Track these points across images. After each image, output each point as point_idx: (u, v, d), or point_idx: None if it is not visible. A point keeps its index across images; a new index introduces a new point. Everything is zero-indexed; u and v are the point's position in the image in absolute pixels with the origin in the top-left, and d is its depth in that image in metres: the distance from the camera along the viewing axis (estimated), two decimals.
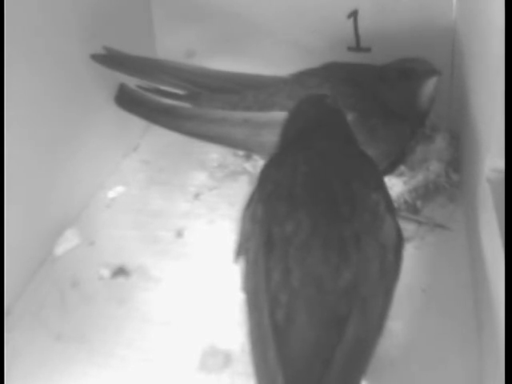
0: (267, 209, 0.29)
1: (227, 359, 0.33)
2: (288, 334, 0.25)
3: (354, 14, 0.48)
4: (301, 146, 0.32)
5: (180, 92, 0.46)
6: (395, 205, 0.36)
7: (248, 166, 0.48)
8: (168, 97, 0.46)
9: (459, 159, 0.44)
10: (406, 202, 0.42)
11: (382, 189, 0.30)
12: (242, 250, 0.30)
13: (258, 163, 0.47)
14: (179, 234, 0.43)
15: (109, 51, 0.45)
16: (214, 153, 0.51)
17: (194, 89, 0.45)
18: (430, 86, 0.40)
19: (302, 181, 0.29)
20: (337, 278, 0.26)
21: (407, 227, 0.40)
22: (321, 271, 0.26)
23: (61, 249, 0.42)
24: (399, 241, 0.28)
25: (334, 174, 0.29)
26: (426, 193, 0.43)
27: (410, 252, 0.37)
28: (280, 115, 0.41)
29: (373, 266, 0.26)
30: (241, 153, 0.50)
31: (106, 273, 0.40)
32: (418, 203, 0.42)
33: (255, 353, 0.26)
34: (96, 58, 0.44)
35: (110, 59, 0.45)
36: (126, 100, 0.47)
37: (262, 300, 0.26)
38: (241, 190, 0.46)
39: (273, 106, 0.42)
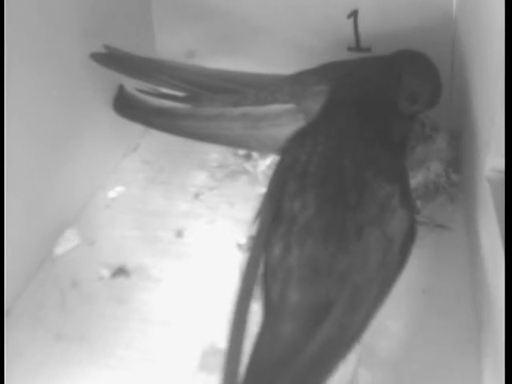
0: (280, 183, 0.29)
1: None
2: (279, 311, 0.26)
3: (354, 14, 0.48)
4: (330, 122, 0.31)
5: (180, 93, 0.46)
6: None
7: (248, 165, 0.48)
8: (168, 99, 0.46)
9: (459, 159, 0.44)
10: None
11: (401, 182, 0.29)
12: (258, 215, 0.29)
13: (257, 163, 0.47)
14: (179, 233, 0.43)
15: (109, 50, 0.45)
16: (214, 153, 0.51)
17: (194, 89, 0.45)
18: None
19: (317, 160, 0.29)
20: (333, 263, 0.26)
21: None
22: (318, 254, 0.26)
23: (61, 249, 0.42)
24: (410, 236, 0.28)
25: (351, 160, 0.29)
26: (426, 193, 0.43)
27: None
28: (278, 107, 0.41)
29: (373, 256, 0.26)
30: (241, 153, 0.50)
31: (105, 273, 0.40)
32: (418, 203, 0.42)
33: (235, 318, 0.26)
34: (96, 57, 0.44)
35: (110, 58, 0.45)
36: (124, 105, 0.47)
37: (257, 271, 0.27)
38: (241, 190, 0.46)
39: (273, 103, 0.42)
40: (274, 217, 0.28)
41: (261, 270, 0.27)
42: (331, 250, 0.26)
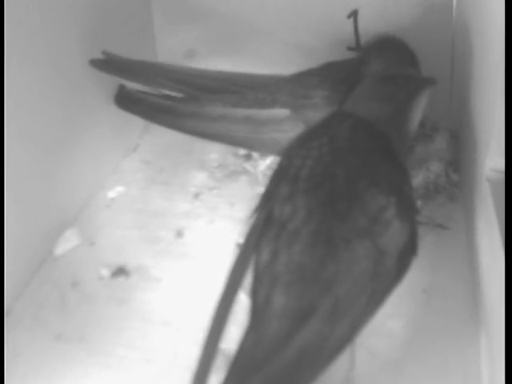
0: (273, 185, 0.29)
1: (227, 359, 0.33)
2: (264, 313, 0.26)
3: (353, 14, 0.48)
4: (329, 128, 0.31)
5: (180, 95, 0.46)
6: None
7: (248, 165, 0.48)
8: (167, 100, 0.46)
9: (459, 159, 0.44)
10: None
11: (398, 195, 0.28)
12: (256, 211, 0.29)
13: (258, 163, 0.47)
14: (179, 234, 0.43)
15: (108, 56, 0.45)
16: (214, 153, 0.51)
17: (193, 91, 0.45)
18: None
19: (311, 165, 0.28)
20: (319, 271, 0.26)
21: None
22: (305, 261, 0.26)
23: (61, 249, 0.42)
24: (410, 249, 0.27)
25: (345, 168, 0.28)
26: (426, 193, 0.43)
27: None
28: (281, 112, 0.41)
29: (360, 268, 0.26)
30: (241, 153, 0.50)
31: (105, 273, 0.40)
32: (418, 203, 0.42)
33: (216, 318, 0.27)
34: (95, 63, 0.44)
35: (109, 64, 0.45)
36: (126, 100, 0.47)
37: (244, 271, 0.27)
38: (241, 190, 0.46)
39: (274, 104, 0.42)
40: (266, 219, 0.28)
41: (250, 271, 0.27)
42: (318, 257, 0.26)
